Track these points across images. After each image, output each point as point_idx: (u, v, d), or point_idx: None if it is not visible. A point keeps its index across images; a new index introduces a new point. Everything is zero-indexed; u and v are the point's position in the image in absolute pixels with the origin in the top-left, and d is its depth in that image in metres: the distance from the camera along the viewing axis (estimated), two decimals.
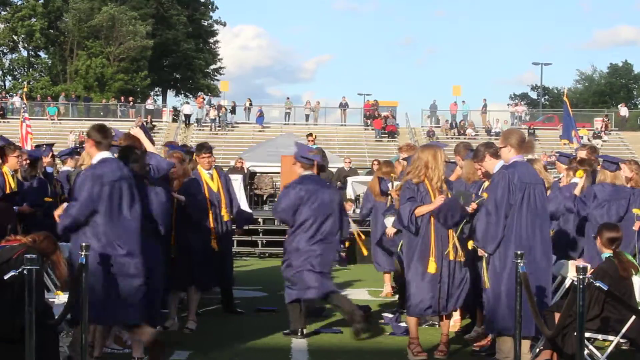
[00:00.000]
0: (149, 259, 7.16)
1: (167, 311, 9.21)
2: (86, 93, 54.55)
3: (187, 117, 48.21)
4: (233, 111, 48.04)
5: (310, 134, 22.91)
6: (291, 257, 8.89)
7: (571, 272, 7.78)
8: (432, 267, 7.87)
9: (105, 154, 7.21)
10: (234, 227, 10.74)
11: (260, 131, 45.94)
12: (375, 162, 19.79)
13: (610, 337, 7.23)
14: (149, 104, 50.96)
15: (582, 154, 10.69)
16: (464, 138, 42.44)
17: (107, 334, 7.64)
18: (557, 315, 7.14)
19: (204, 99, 49.43)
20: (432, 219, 7.91)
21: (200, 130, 46.26)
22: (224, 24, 73.08)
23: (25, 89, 35.89)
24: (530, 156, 8.74)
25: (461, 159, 9.25)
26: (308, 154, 9.26)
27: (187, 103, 55.65)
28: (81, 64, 57.85)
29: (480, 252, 7.46)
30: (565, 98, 16.66)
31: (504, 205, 7.25)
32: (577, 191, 9.60)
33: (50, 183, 10.93)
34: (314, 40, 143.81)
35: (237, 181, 20.42)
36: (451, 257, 7.91)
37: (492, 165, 7.80)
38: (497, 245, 7.30)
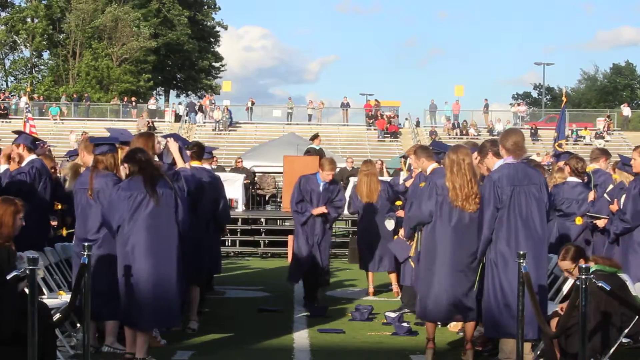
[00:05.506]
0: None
1: None
2: (91, 93, 54.44)
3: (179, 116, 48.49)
4: (200, 110, 48.29)
5: (317, 135, 22.65)
6: None
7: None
8: None
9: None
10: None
11: (230, 130, 46.17)
12: (379, 162, 19.70)
13: None
14: (151, 104, 50.96)
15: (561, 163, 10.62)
16: (467, 138, 42.40)
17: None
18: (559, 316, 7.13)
19: (213, 102, 49.59)
20: None
21: (203, 129, 46.30)
22: (226, 27, 73.25)
23: (28, 89, 35.88)
24: (535, 157, 8.73)
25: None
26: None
27: (180, 104, 55.48)
28: (85, 64, 57.74)
29: None
30: (563, 97, 16.56)
31: (490, 209, 7.27)
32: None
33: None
34: (318, 42, 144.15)
35: (238, 181, 20.47)
36: None
37: (492, 163, 7.81)
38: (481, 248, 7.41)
